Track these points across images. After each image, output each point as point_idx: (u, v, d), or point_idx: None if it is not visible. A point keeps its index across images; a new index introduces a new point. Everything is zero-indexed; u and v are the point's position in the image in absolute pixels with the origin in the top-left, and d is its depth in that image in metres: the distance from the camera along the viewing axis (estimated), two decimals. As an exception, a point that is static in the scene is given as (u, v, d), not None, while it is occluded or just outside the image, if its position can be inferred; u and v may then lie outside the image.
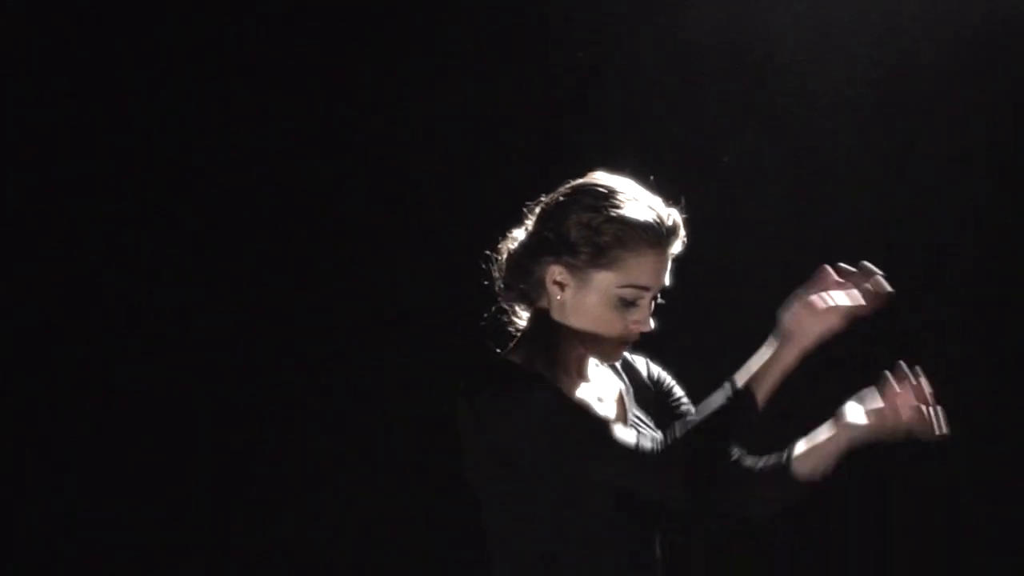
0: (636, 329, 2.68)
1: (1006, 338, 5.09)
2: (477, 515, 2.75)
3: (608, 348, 2.71)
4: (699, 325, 4.81)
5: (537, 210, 2.76)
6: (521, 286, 2.74)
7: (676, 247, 2.70)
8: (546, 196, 2.77)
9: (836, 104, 5.09)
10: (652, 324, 2.70)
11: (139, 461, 5.09)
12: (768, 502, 2.77)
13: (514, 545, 2.67)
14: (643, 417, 2.79)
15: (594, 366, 2.80)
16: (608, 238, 2.63)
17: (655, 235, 2.65)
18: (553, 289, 2.68)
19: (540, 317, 2.73)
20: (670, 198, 2.77)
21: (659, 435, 2.62)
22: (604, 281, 2.65)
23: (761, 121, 5.06)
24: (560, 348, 2.71)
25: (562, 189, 2.73)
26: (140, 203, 5.11)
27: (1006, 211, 5.08)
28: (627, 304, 2.65)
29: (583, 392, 2.74)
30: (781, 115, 5.07)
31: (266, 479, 5.15)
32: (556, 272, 2.66)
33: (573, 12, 5.08)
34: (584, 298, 2.65)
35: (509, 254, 2.78)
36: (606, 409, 2.75)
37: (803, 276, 2.73)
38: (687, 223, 2.74)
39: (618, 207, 2.65)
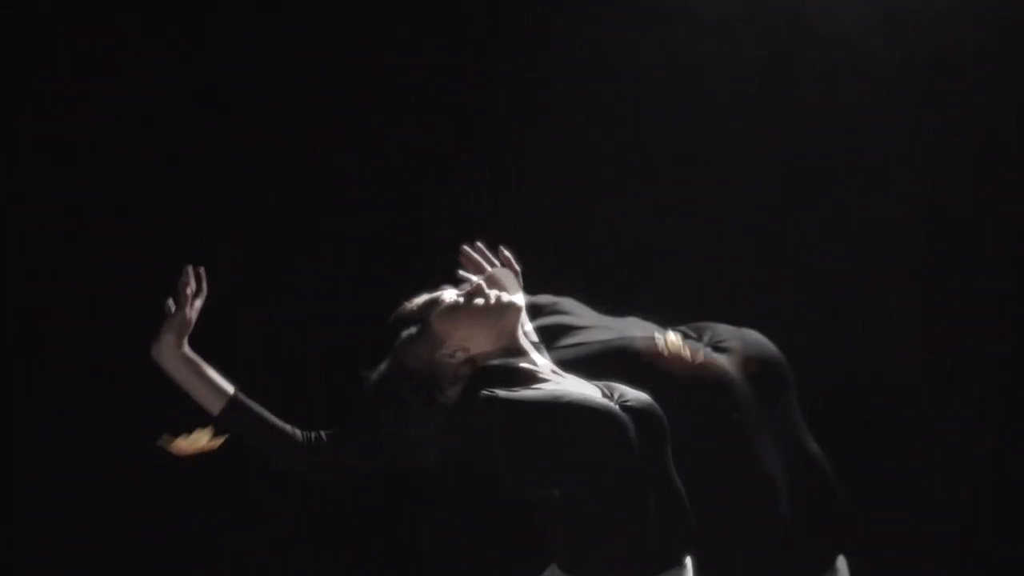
0: (495, 295, 3.32)
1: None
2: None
3: (502, 321, 3.32)
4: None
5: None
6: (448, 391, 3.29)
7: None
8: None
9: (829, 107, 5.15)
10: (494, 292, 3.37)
11: (133, 459, 5.11)
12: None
13: (561, 515, 3.18)
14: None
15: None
16: (429, 312, 3.32)
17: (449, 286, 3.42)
18: (459, 356, 3.28)
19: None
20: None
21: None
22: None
23: (758, 124, 5.11)
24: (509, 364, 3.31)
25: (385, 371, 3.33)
26: (137, 202, 5.13)
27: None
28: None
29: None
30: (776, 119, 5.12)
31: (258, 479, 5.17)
32: (449, 355, 3.27)
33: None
34: (470, 332, 3.29)
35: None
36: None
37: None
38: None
39: (403, 308, 3.37)
